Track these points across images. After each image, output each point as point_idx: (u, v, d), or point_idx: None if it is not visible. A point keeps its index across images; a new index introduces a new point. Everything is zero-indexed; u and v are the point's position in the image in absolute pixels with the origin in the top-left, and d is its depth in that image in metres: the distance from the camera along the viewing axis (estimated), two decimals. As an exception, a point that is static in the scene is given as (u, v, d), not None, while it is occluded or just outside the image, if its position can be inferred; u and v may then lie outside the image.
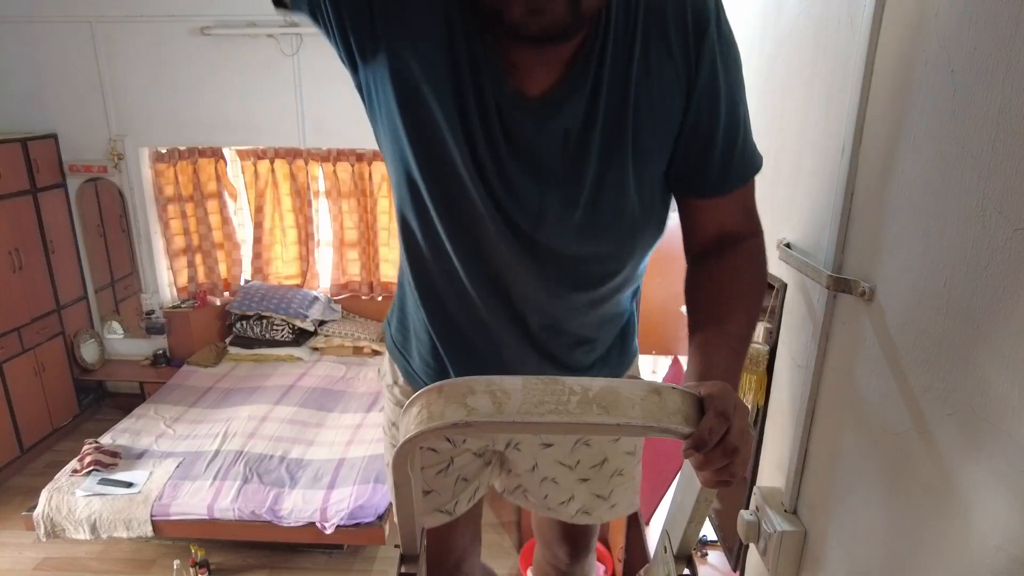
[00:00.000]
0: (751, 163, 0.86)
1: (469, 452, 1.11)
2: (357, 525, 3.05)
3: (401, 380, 1.11)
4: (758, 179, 1.40)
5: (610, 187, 0.81)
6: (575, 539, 1.34)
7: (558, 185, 0.81)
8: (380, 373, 1.20)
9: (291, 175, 4.61)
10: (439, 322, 0.96)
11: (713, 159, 0.83)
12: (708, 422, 0.65)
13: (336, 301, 4.85)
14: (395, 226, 1.01)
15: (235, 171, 4.71)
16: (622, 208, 0.83)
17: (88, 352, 4.61)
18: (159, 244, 4.66)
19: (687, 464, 0.77)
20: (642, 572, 1.02)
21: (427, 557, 1.28)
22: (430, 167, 0.81)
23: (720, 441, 0.65)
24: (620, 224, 0.85)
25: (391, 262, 4.74)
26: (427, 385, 1.04)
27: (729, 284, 0.85)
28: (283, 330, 4.58)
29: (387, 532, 3.09)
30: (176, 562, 3.14)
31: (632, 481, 1.20)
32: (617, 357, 1.05)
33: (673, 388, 0.66)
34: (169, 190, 4.54)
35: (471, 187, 0.80)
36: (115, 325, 4.82)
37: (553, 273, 0.88)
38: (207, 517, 3.08)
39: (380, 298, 4.81)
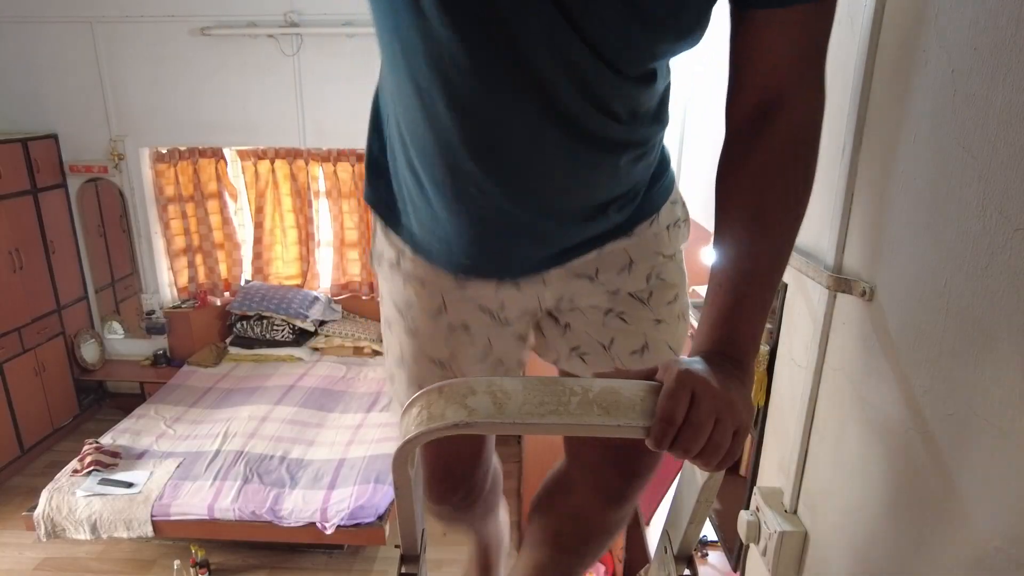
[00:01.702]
0: None
1: (510, 329, 0.95)
2: (357, 525, 3.05)
3: (408, 252, 0.93)
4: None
5: None
6: (630, 460, 1.04)
7: None
8: (375, 257, 1.00)
9: (291, 175, 4.61)
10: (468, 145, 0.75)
11: None
12: (659, 411, 0.61)
13: (336, 301, 4.85)
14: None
15: (235, 171, 4.72)
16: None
17: (88, 352, 4.61)
18: (159, 244, 4.66)
19: (687, 464, 0.77)
20: (642, 572, 1.01)
21: (429, 461, 1.07)
22: None
23: (686, 429, 0.61)
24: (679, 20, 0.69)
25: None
26: (432, 243, 0.87)
27: (762, 188, 0.71)
28: (283, 330, 4.58)
29: (387, 532, 3.09)
30: (176, 562, 3.14)
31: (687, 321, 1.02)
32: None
33: (673, 388, 0.66)
34: (169, 190, 4.54)
35: None
36: (115, 325, 4.82)
37: (602, 61, 0.69)
38: (207, 517, 3.08)
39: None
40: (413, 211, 0.87)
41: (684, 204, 1.00)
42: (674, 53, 0.74)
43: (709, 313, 0.71)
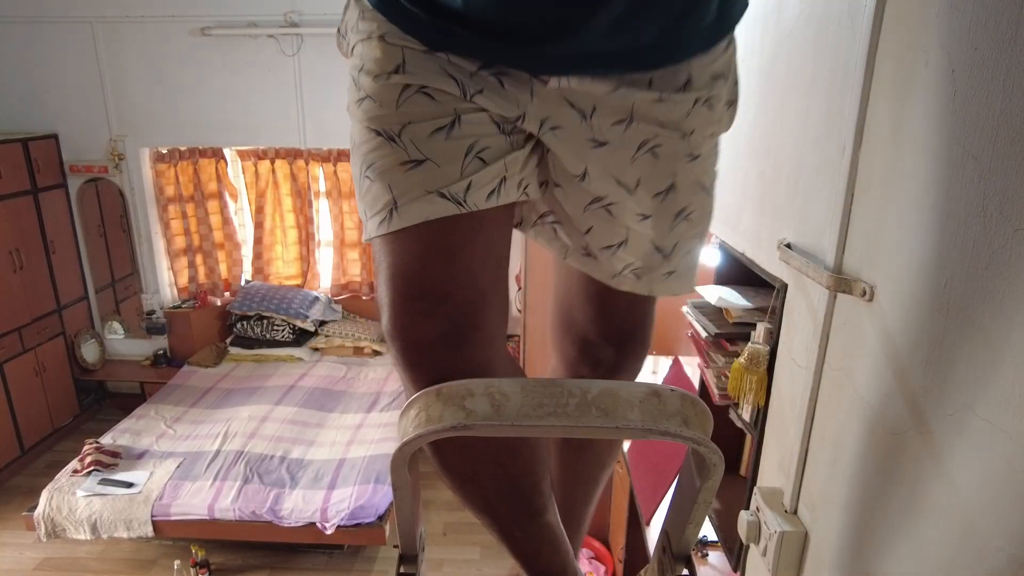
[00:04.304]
0: None
1: (485, 115, 0.67)
2: (357, 525, 3.05)
3: (369, 8, 0.69)
4: (758, 179, 1.40)
5: None
6: (619, 315, 0.87)
7: None
8: (338, 37, 0.77)
9: (292, 175, 4.61)
10: None
11: None
12: None
13: (336, 301, 4.86)
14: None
15: (236, 171, 4.72)
16: None
17: (89, 352, 4.62)
18: (160, 244, 4.66)
19: (686, 464, 0.77)
20: (642, 572, 1.01)
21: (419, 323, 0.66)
22: None
23: None
24: None
25: (391, 262, 4.75)
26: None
27: None
28: (283, 330, 4.58)
29: (387, 532, 3.09)
30: (176, 562, 3.14)
31: (700, 237, 0.82)
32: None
33: (672, 390, 0.66)
34: (170, 190, 4.54)
35: None
36: (116, 325, 4.82)
37: None
38: (207, 517, 3.08)
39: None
40: None
41: (735, 102, 0.80)
42: None
43: None
